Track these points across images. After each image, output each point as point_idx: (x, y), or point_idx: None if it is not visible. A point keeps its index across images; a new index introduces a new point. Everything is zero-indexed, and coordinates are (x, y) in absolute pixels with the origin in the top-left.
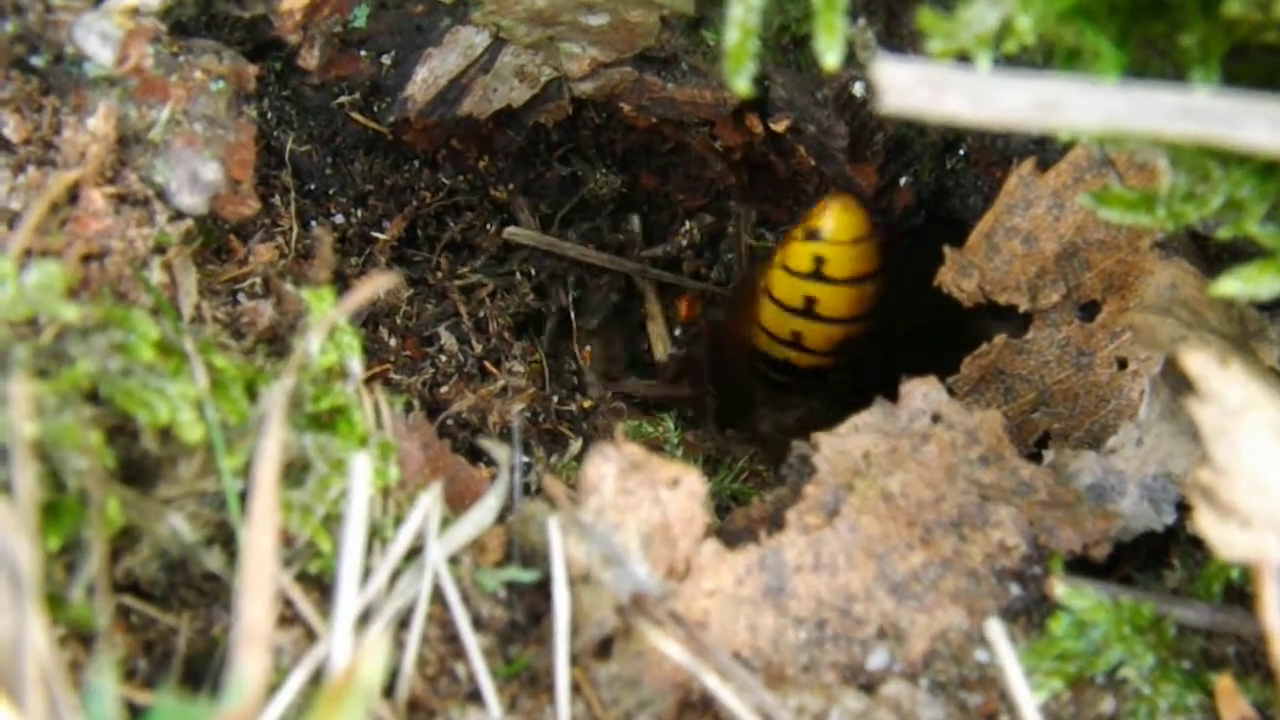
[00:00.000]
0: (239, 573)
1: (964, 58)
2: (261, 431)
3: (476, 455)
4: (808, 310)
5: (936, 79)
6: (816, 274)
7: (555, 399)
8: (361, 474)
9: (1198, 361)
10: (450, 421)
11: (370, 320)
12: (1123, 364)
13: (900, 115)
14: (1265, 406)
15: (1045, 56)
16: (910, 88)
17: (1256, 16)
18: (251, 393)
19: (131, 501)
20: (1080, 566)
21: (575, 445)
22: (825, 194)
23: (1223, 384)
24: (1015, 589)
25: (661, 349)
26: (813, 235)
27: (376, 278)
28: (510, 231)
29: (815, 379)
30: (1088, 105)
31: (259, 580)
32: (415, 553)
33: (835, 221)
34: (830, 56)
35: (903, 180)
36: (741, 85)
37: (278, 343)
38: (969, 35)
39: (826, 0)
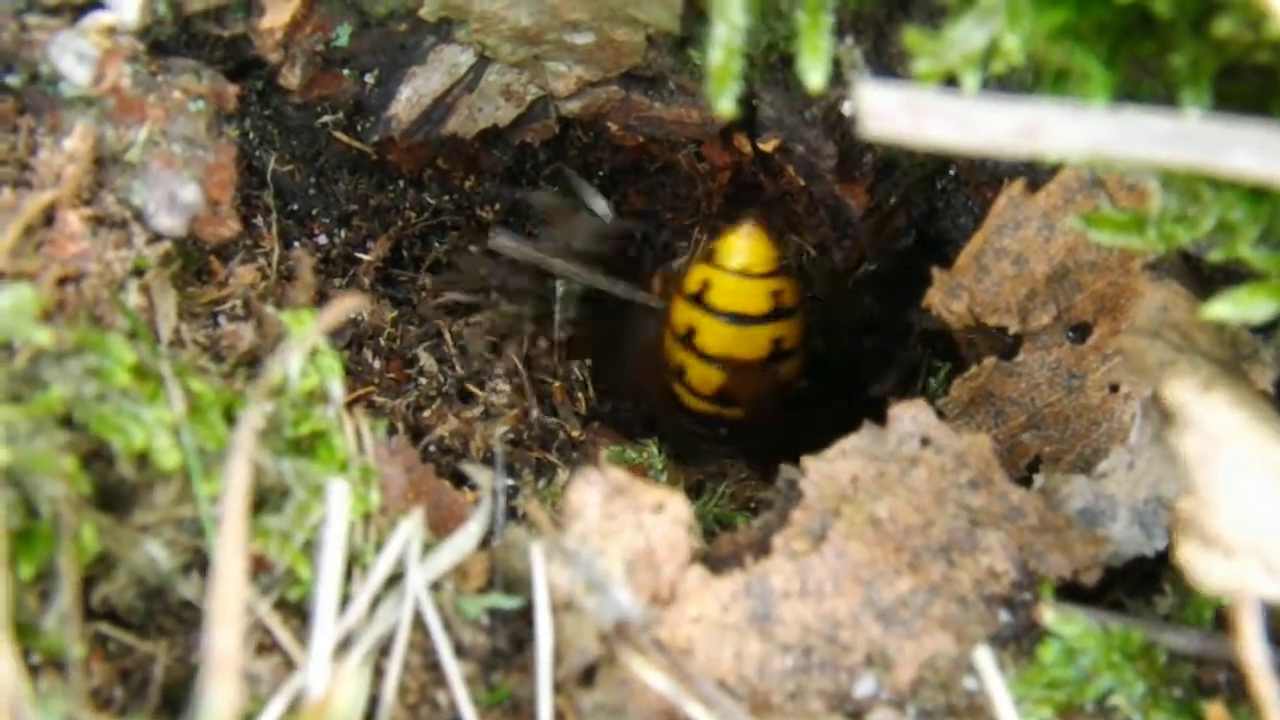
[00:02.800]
0: (208, 601)
1: (952, 78)
2: (230, 458)
3: (461, 479)
4: (688, 339)
5: (919, 104)
6: (699, 299)
7: (539, 424)
8: (339, 501)
9: (1179, 390)
10: (433, 446)
11: (354, 342)
12: (1114, 387)
13: (882, 140)
14: (1247, 435)
15: (1035, 77)
16: (892, 113)
17: (1247, 36)
18: (230, 417)
19: (107, 528)
20: (1071, 592)
21: (563, 475)
22: (741, 217)
23: (1204, 412)
24: (1004, 615)
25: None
26: (708, 257)
27: (346, 299)
28: (496, 242)
29: (711, 425)
30: (1072, 130)
31: (229, 609)
32: (397, 579)
33: (730, 246)
34: (814, 76)
35: (893, 200)
36: (725, 106)
37: (258, 366)
38: (956, 55)
39: (811, 20)
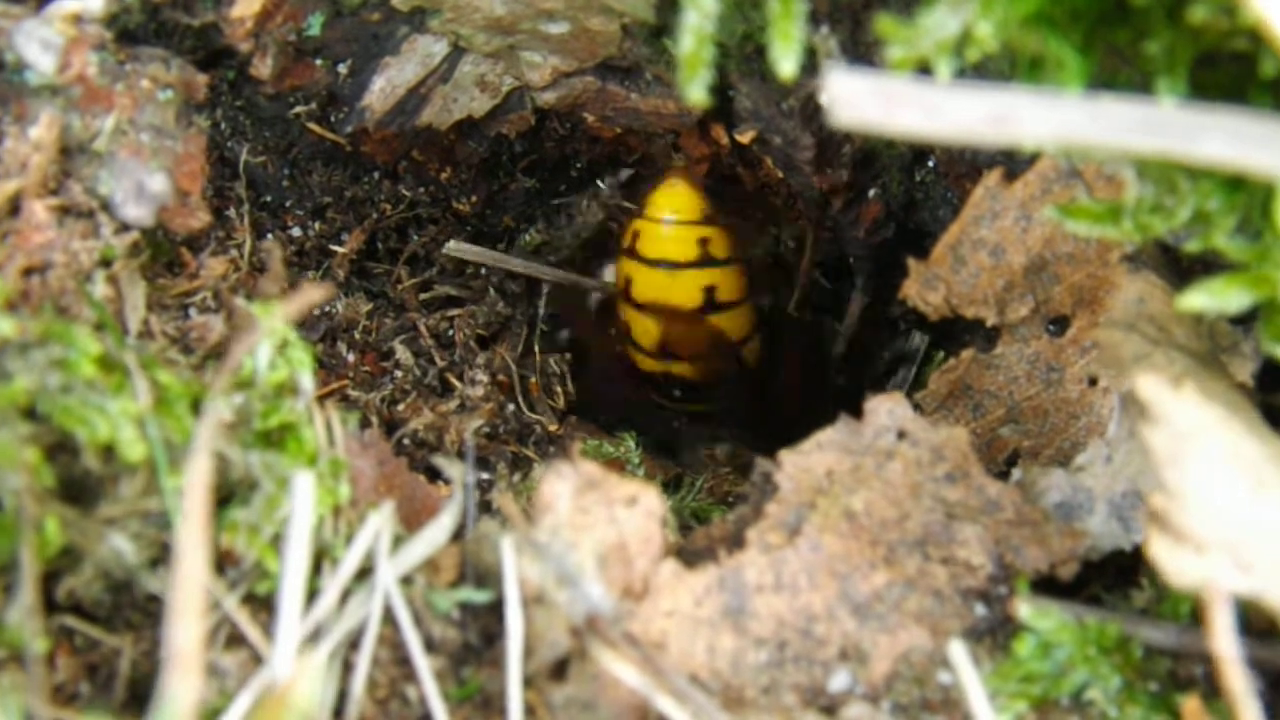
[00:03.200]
0: (169, 595)
1: (927, 66)
2: (192, 450)
3: (436, 474)
4: (627, 293)
5: (889, 92)
6: (632, 250)
7: (517, 418)
8: (304, 493)
9: (1149, 385)
10: (407, 439)
11: (329, 335)
12: (1093, 380)
13: (852, 128)
14: (1218, 430)
15: (1012, 66)
16: (862, 100)
17: (1223, 24)
18: (197, 409)
19: (72, 521)
20: (1048, 586)
21: (539, 469)
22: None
23: (1174, 407)
24: (980, 609)
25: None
26: (639, 211)
27: (311, 289)
28: (452, 246)
29: (666, 389)
30: (1042, 118)
31: (191, 602)
32: (368, 573)
33: (657, 197)
34: (786, 65)
35: (871, 192)
36: (696, 94)
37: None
38: (929, 42)
39: (783, 8)
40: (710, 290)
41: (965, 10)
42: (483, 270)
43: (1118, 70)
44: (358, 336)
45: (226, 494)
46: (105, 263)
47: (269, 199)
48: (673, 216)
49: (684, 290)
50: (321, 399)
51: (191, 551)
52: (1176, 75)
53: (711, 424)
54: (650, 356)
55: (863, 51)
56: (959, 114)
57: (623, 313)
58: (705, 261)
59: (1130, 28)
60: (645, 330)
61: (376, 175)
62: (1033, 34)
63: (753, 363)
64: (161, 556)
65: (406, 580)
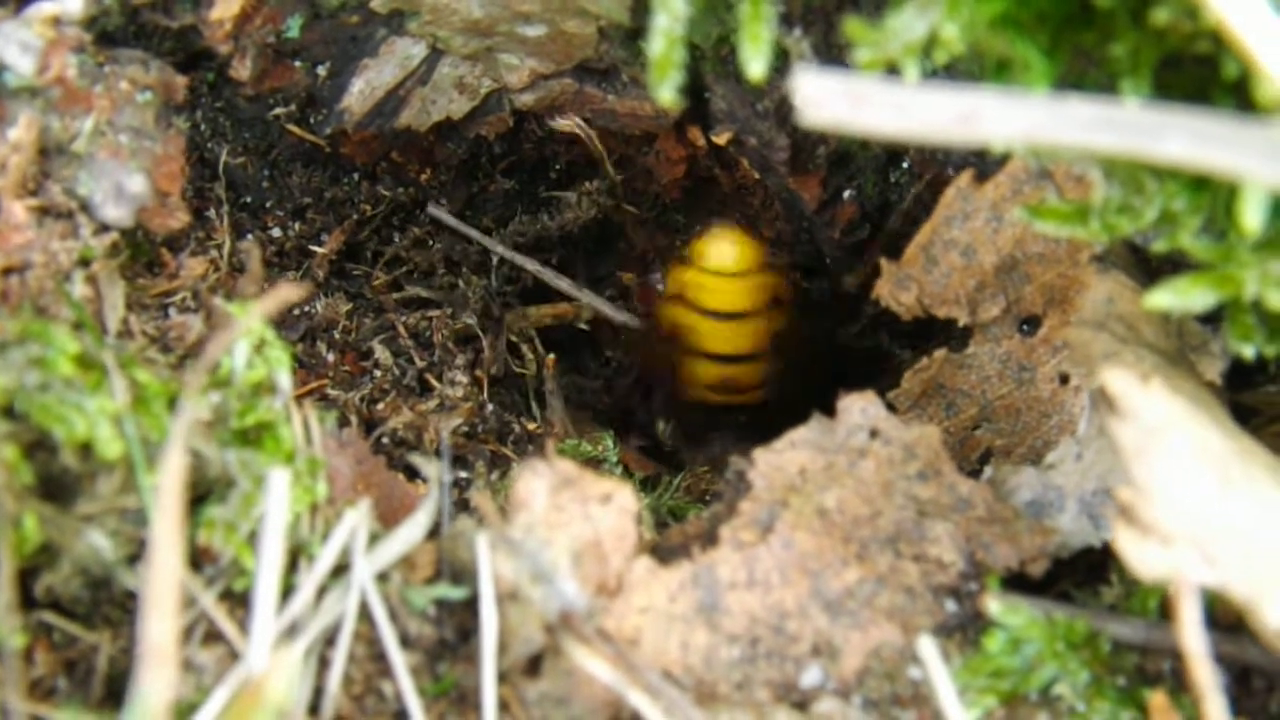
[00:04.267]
0: (144, 590)
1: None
2: (167, 447)
3: (415, 473)
4: (681, 339)
5: (856, 91)
6: (684, 299)
7: (496, 417)
8: (279, 490)
9: (1118, 380)
10: (386, 439)
11: (308, 335)
12: (1064, 379)
13: (822, 128)
14: (1185, 425)
15: (980, 69)
16: (830, 100)
17: (1186, 26)
18: (175, 408)
19: (49, 518)
20: (1018, 583)
21: (517, 468)
22: (712, 220)
23: (1142, 403)
24: (951, 606)
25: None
26: (691, 261)
27: (286, 288)
28: (432, 211)
29: (725, 411)
30: (1008, 117)
31: (164, 598)
32: (344, 570)
33: (712, 250)
34: (755, 66)
35: (846, 193)
36: (666, 96)
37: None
38: (897, 45)
39: (753, 11)
40: (774, 336)
41: (932, 13)
42: (461, 270)
43: (1085, 72)
44: (337, 336)
45: (204, 491)
46: (84, 263)
47: (249, 200)
48: (732, 268)
49: (749, 336)
50: (300, 398)
51: (165, 547)
52: (1141, 77)
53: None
54: (709, 391)
55: (835, 54)
56: (926, 113)
57: (675, 355)
58: (767, 305)
59: (1096, 30)
60: (705, 371)
61: (356, 176)
62: (999, 36)
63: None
64: (139, 553)
65: (382, 577)
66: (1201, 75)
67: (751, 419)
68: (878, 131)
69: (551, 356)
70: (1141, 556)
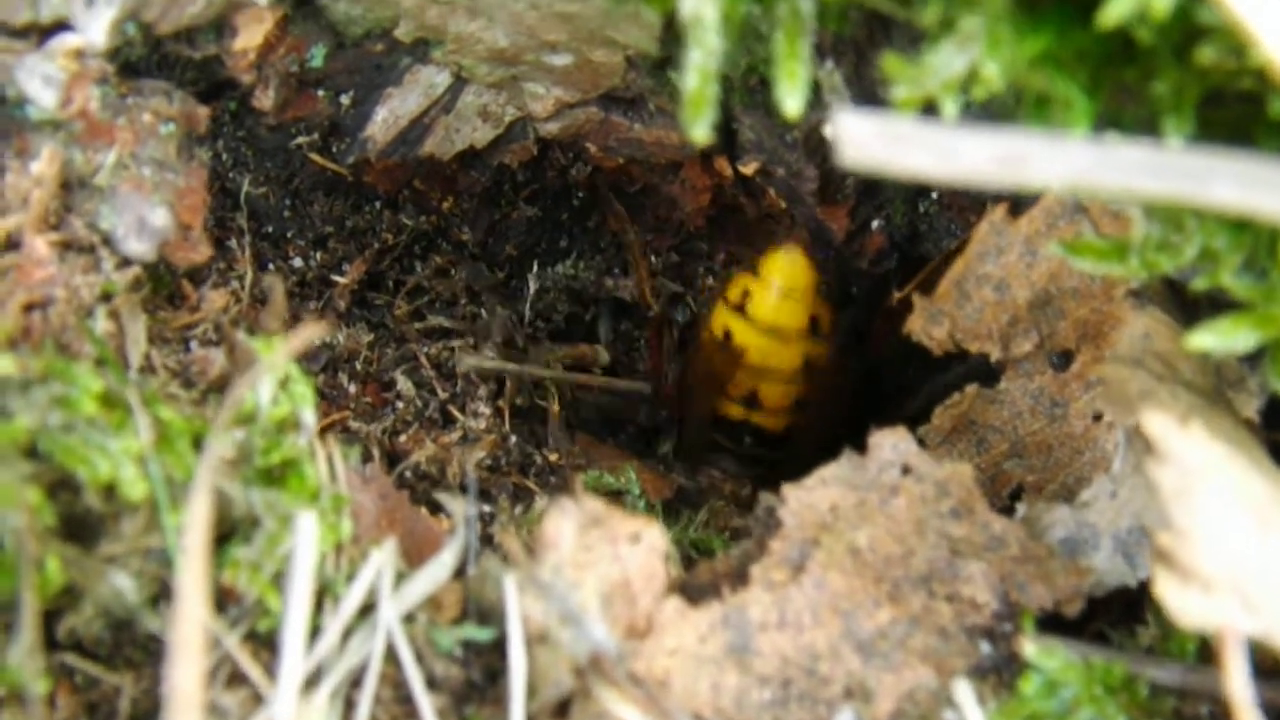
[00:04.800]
0: (170, 634)
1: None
2: (193, 490)
3: (438, 506)
4: (725, 344)
5: (897, 133)
6: (740, 308)
7: (518, 449)
8: (307, 533)
9: (1156, 422)
10: (409, 473)
11: (330, 366)
12: (1098, 415)
13: (859, 170)
14: (1226, 467)
15: (1017, 102)
16: (870, 141)
17: (1230, 64)
18: (199, 446)
19: (73, 559)
20: (1053, 623)
21: (541, 502)
22: (783, 237)
23: (1181, 445)
24: (985, 647)
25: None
26: (751, 269)
27: (312, 326)
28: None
29: (748, 440)
30: (1053, 161)
31: (191, 643)
32: (369, 610)
33: (773, 263)
34: (791, 103)
35: (875, 223)
36: (700, 134)
37: (229, 392)
38: (935, 81)
39: (788, 46)
40: (809, 363)
41: (972, 49)
42: (481, 299)
43: (1124, 106)
44: (359, 367)
45: (228, 531)
46: (106, 297)
47: (270, 229)
48: (788, 285)
49: (786, 357)
50: (323, 431)
51: (191, 591)
52: (1183, 115)
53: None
54: (735, 404)
55: (867, 85)
56: (967, 156)
57: (713, 359)
58: (812, 333)
59: (1137, 67)
60: (737, 381)
61: (378, 205)
62: (1040, 73)
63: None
64: (162, 594)
65: (409, 618)
66: (1245, 113)
67: (760, 444)
68: (918, 174)
69: (556, 406)
70: (1182, 604)
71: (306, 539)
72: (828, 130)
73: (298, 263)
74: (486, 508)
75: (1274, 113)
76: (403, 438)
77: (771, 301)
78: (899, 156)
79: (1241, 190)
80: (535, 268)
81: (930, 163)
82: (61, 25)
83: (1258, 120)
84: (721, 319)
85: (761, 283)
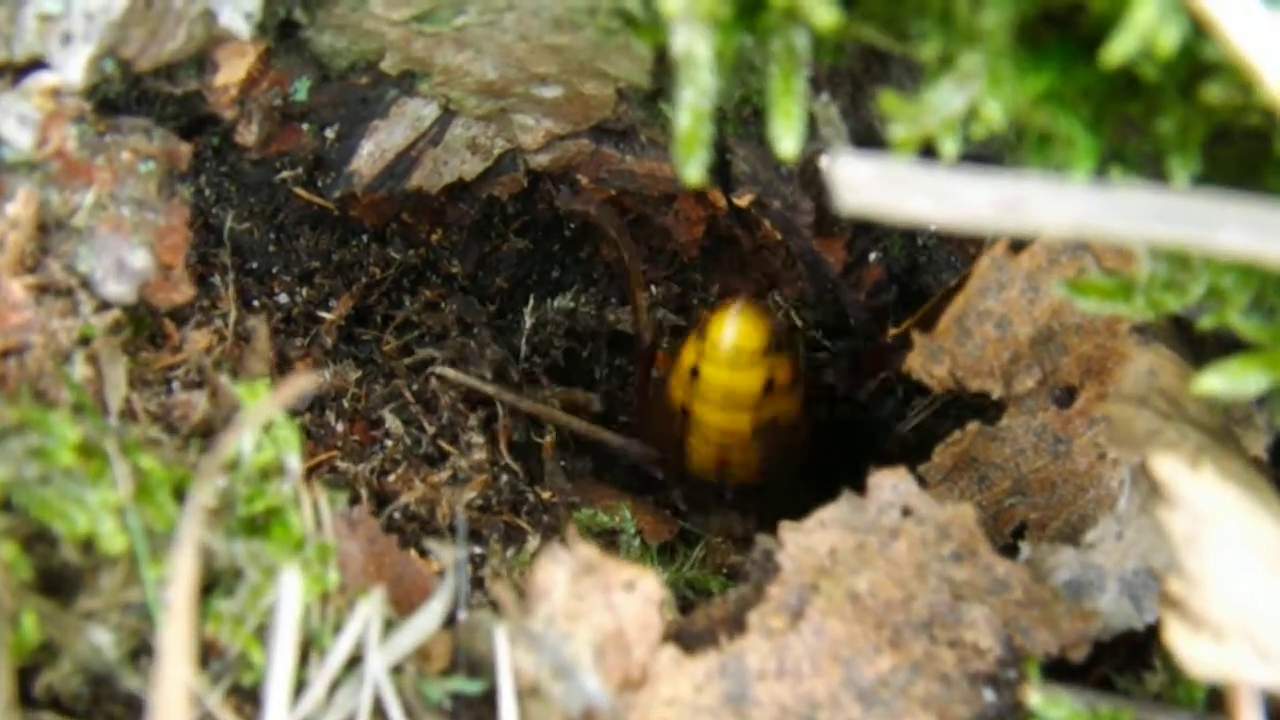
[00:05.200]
0: (152, 696)
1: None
2: (176, 549)
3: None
4: (684, 419)
5: (894, 176)
6: (696, 373)
7: (511, 488)
8: (291, 590)
9: (1165, 465)
10: (398, 514)
11: (316, 403)
12: (1102, 452)
13: (858, 214)
14: (1237, 512)
15: (1017, 138)
16: (869, 185)
17: (1237, 101)
18: (180, 495)
19: (50, 615)
20: (1058, 668)
21: (533, 542)
22: (731, 297)
23: (1192, 490)
24: (989, 694)
25: None
26: (701, 332)
27: (299, 379)
28: (452, 375)
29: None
30: (1055, 205)
31: (173, 703)
32: (356, 662)
33: (718, 329)
34: (786, 143)
35: (872, 255)
36: (693, 175)
37: (212, 437)
38: (934, 120)
39: (784, 84)
40: (773, 420)
41: (972, 87)
42: (474, 331)
43: (1127, 139)
44: (346, 405)
45: (210, 582)
46: (85, 341)
47: (255, 265)
48: (736, 352)
49: (746, 421)
50: (310, 471)
51: (174, 649)
52: (1189, 153)
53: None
54: (705, 468)
55: (863, 116)
56: (968, 200)
57: (679, 429)
58: (768, 391)
59: (1142, 102)
60: (702, 451)
61: (365, 238)
62: (1042, 111)
63: (798, 446)
64: (142, 649)
65: (397, 669)
66: (1252, 149)
67: (746, 496)
68: (918, 218)
69: (550, 440)
70: (1193, 653)
71: (290, 596)
72: (823, 162)
73: (283, 299)
74: (478, 549)
75: None
76: (391, 477)
77: (722, 375)
78: (898, 201)
79: (1250, 236)
80: (531, 302)
81: (930, 207)
82: (37, 63)
83: (1265, 157)
84: (679, 391)
85: (709, 352)
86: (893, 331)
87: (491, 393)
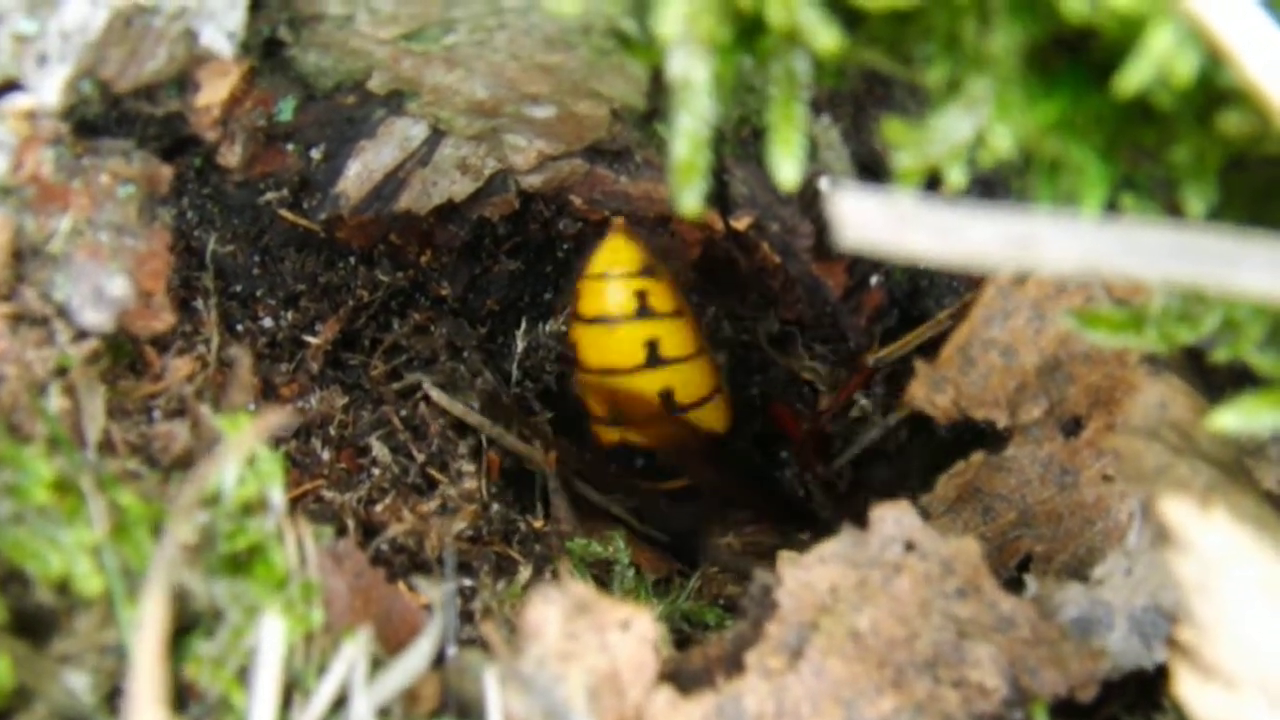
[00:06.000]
0: None
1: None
2: (145, 588)
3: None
4: (575, 358)
5: (898, 212)
6: (575, 313)
7: (501, 517)
8: (273, 631)
9: (1174, 508)
10: (385, 546)
11: (302, 431)
12: (1110, 484)
13: (860, 250)
14: (1250, 556)
15: (1025, 164)
16: (872, 222)
17: (1255, 129)
18: (159, 533)
19: (23, 658)
20: (1066, 708)
21: (524, 573)
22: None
23: (1202, 533)
24: None
25: None
26: (581, 272)
27: (277, 411)
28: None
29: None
30: (1066, 243)
31: None
32: (342, 704)
33: (592, 255)
34: (786, 171)
35: (873, 279)
36: (690, 204)
37: (193, 470)
38: (940, 148)
39: (784, 111)
40: (652, 345)
41: (980, 114)
42: (464, 355)
43: (1140, 166)
44: (333, 432)
45: (189, 623)
46: (61, 371)
47: (239, 289)
48: (610, 271)
49: (623, 346)
50: (295, 501)
51: (145, 696)
52: (1205, 182)
53: (699, 504)
54: (605, 425)
55: (865, 139)
56: (975, 237)
57: (578, 383)
58: (643, 313)
59: (1156, 129)
60: (596, 396)
61: (352, 261)
62: (1053, 139)
63: (717, 427)
64: (118, 693)
65: (384, 712)
66: (1271, 177)
67: (657, 475)
68: (922, 256)
69: (553, 454)
70: (1204, 703)
71: (272, 635)
72: (823, 185)
73: (268, 323)
74: (467, 581)
75: None
76: (379, 507)
77: (590, 291)
78: (902, 238)
79: (1271, 276)
80: (523, 325)
81: (935, 244)
82: (12, 85)
83: None
84: (571, 335)
85: (588, 278)
86: (873, 357)
87: (474, 424)
